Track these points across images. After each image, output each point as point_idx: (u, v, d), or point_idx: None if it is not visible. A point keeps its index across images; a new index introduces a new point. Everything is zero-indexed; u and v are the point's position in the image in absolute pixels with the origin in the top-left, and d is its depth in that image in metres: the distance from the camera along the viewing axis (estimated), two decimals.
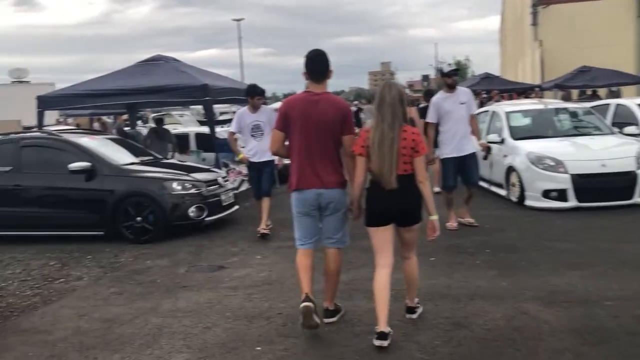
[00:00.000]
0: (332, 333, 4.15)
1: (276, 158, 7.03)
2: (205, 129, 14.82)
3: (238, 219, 8.43)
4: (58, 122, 25.13)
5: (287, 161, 5.37)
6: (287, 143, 4.24)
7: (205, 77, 10.43)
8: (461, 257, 5.96)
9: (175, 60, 11.09)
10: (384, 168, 3.80)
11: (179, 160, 9.88)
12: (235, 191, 8.96)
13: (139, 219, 7.43)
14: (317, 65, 4.12)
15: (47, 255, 7.07)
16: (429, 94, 9.67)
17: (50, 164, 7.85)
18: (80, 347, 4.14)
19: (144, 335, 4.28)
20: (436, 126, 7.19)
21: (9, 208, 7.75)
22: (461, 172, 7.15)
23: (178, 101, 10.86)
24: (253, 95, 7.46)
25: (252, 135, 7.46)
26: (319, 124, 4.04)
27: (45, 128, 10.19)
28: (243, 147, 7.72)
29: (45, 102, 10.21)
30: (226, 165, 10.08)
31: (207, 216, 7.73)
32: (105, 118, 24.62)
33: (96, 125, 23.45)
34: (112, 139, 9.34)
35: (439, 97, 7.19)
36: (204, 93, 9.53)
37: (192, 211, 7.58)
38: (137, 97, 9.99)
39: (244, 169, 10.90)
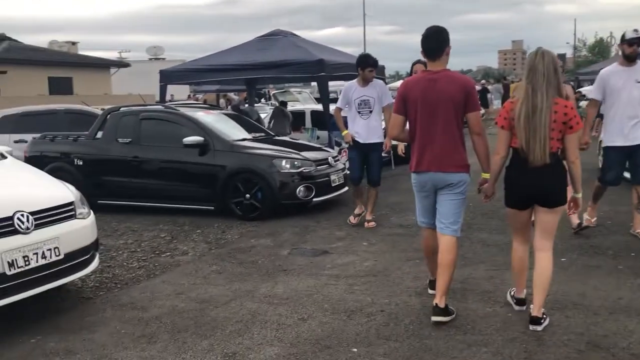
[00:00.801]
0: (439, 340, 3.63)
1: (386, 140, 6.50)
2: (318, 107, 14.76)
3: (347, 201, 8.04)
4: (188, 98, 26.38)
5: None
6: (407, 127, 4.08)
7: (322, 52, 10.11)
8: (599, 260, 5.13)
9: (293, 35, 10.88)
10: (534, 143, 3.53)
11: (292, 138, 9.67)
12: (347, 172, 8.57)
13: (247, 195, 7.31)
14: (432, 42, 3.95)
15: (160, 227, 7.16)
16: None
17: (167, 137, 7.93)
18: (172, 328, 3.98)
19: (236, 322, 4.04)
20: (599, 105, 5.84)
21: (128, 179, 7.96)
22: (630, 166, 5.75)
23: (293, 77, 10.62)
24: (364, 66, 6.55)
25: (359, 112, 6.61)
26: (440, 103, 3.85)
27: (170, 102, 10.47)
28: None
29: (167, 77, 10.44)
30: (338, 144, 9.72)
31: (314, 196, 7.43)
32: (231, 94, 25.39)
33: (222, 102, 24.24)
34: (228, 115, 9.32)
35: (609, 69, 5.72)
36: (319, 68, 9.21)
37: (300, 190, 7.31)
38: (253, 72, 9.90)
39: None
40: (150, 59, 40.08)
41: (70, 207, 4.36)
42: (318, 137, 11.93)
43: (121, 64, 30.90)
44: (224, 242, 6.33)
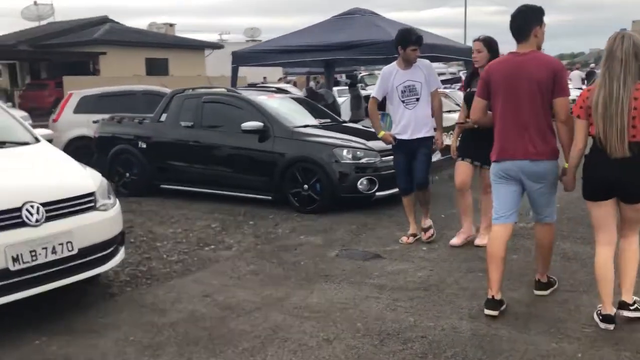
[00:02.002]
0: None
1: (435, 135, 5.56)
2: None
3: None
4: (279, 80, 26.36)
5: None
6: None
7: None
8: None
9: (372, 13, 10.20)
10: (611, 133, 3.31)
11: (363, 126, 9.05)
12: None
13: (305, 186, 6.83)
14: (518, 22, 3.76)
15: (215, 215, 6.86)
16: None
17: (228, 122, 7.60)
18: (183, 339, 3.58)
19: (253, 337, 3.57)
20: None
21: (188, 163, 7.74)
22: None
23: (367, 58, 9.96)
24: (406, 44, 5.28)
25: (403, 101, 5.35)
26: (525, 86, 3.66)
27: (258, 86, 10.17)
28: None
29: (239, 58, 10.16)
30: None
31: (378, 190, 6.80)
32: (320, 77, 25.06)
33: (312, 84, 23.97)
34: (296, 99, 8.87)
35: None
36: (393, 49, 8.48)
37: (361, 183, 6.72)
38: (326, 54, 9.37)
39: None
40: (247, 40, 40.64)
41: (90, 198, 4.06)
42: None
43: (215, 45, 31.48)
44: (273, 237, 5.89)
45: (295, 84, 26.59)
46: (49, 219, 3.71)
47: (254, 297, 4.23)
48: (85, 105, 10.91)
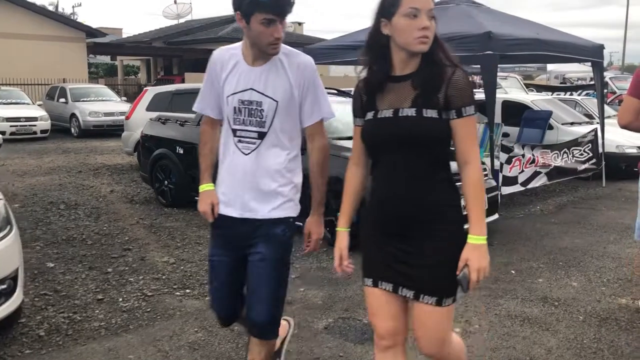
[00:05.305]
0: None
1: None
2: (521, 97, 11.76)
3: (494, 234, 5.57)
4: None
5: None
6: None
7: (502, 24, 7.49)
8: None
9: (471, 2, 8.34)
10: None
11: None
12: (496, 193, 5.98)
13: None
14: None
15: None
16: None
17: None
18: None
19: None
20: None
21: None
22: None
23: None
24: (252, 7, 2.23)
25: (236, 134, 2.45)
26: None
27: None
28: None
29: (310, 55, 8.83)
30: (507, 150, 7.07)
31: None
32: None
33: None
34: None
35: None
36: (484, 45, 6.68)
37: None
38: None
39: (542, 156, 7.72)
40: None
41: None
42: (507, 135, 9.30)
43: None
44: None
45: None
46: None
47: None
48: (158, 103, 10.35)
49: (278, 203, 2.43)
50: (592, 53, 8.58)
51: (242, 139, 2.41)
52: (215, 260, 2.54)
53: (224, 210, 2.48)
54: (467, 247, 1.99)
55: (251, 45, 2.37)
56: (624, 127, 3.56)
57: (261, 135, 2.40)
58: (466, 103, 2.00)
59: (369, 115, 2.11)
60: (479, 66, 7.12)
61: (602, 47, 8.78)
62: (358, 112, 2.18)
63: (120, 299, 4.26)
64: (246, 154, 2.41)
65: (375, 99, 2.10)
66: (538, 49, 7.38)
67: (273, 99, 2.38)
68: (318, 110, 2.45)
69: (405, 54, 2.03)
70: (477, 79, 12.84)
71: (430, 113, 1.99)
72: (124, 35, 38.33)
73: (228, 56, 2.45)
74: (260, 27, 2.26)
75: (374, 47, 2.08)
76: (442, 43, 2.08)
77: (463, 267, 1.98)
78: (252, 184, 2.41)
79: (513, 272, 4.84)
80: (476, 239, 1.99)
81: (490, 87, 7.01)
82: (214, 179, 2.55)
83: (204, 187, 2.54)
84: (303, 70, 2.40)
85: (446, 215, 2.05)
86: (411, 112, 2.01)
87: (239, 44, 2.46)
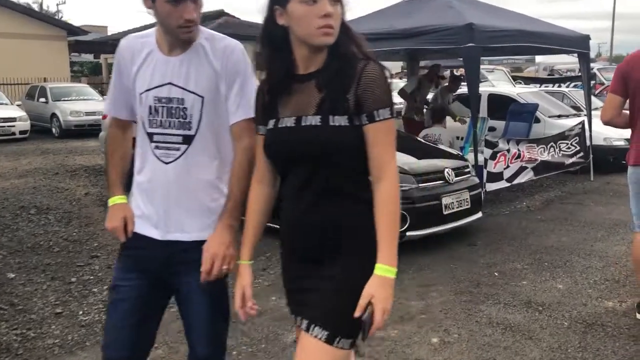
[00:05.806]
0: None
1: None
2: (507, 90, 11.57)
3: (470, 236, 5.36)
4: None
5: None
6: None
7: (484, 15, 7.27)
8: None
9: None
10: None
11: (425, 136, 7.11)
12: (478, 191, 5.75)
13: None
14: None
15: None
16: None
17: None
18: None
19: None
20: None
21: None
22: None
23: (433, 48, 7.90)
24: None
25: (151, 138, 2.11)
26: None
27: None
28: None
29: None
30: (491, 145, 6.85)
31: (408, 229, 4.91)
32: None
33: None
34: None
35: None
36: (465, 37, 6.47)
37: None
38: (386, 43, 7.47)
39: (528, 151, 7.51)
40: None
41: None
42: (494, 129, 9.12)
43: None
44: None
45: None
46: None
47: None
48: None
49: (209, 222, 1.98)
50: (578, 44, 8.39)
51: (159, 144, 1.98)
52: (122, 286, 2.03)
53: (141, 228, 2.03)
54: (374, 280, 1.61)
55: (164, 32, 1.94)
56: (606, 123, 3.67)
57: (187, 140, 1.96)
58: (380, 105, 1.64)
59: (270, 123, 1.76)
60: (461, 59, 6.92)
61: (588, 37, 8.60)
62: (259, 118, 1.83)
63: (81, 312, 4.03)
64: (167, 163, 1.96)
65: (277, 104, 1.75)
66: (522, 40, 7.19)
67: (197, 95, 1.94)
68: (244, 106, 1.95)
69: (307, 49, 1.68)
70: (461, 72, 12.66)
71: (339, 120, 1.64)
72: (109, 33, 37.82)
73: (140, 45, 2.01)
74: (167, 7, 1.83)
75: (268, 42, 1.74)
76: (353, 33, 1.71)
77: (367, 305, 1.60)
78: (177, 199, 1.97)
79: (496, 274, 4.63)
80: (385, 269, 1.61)
81: (473, 81, 6.80)
82: (128, 189, 2.13)
83: (115, 199, 2.09)
84: (229, 54, 1.95)
85: (361, 240, 1.69)
86: (316, 120, 1.66)
87: (152, 30, 2.03)
